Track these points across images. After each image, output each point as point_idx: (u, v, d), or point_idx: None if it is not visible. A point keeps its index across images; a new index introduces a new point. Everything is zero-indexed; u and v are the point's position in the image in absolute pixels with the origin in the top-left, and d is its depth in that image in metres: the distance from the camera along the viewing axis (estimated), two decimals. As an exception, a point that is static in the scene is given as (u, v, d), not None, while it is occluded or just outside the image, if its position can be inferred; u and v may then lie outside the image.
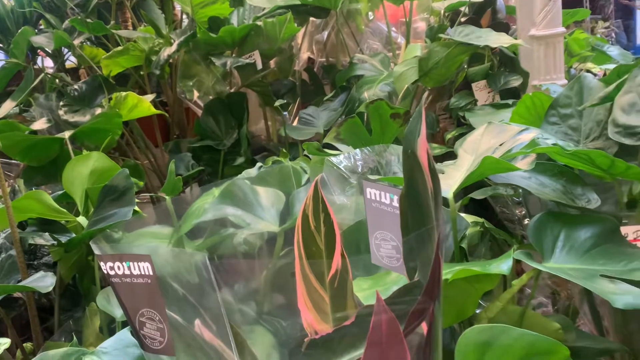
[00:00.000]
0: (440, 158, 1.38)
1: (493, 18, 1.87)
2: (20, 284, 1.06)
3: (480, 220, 0.96)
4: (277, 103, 1.67)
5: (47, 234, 1.12)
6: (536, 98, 1.09)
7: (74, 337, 0.91)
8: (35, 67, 1.89)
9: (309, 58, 2.05)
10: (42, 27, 2.06)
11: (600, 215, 0.82)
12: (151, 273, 0.56)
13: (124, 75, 1.83)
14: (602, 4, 4.25)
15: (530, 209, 1.02)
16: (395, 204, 0.62)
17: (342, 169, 1.03)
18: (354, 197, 0.96)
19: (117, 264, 0.57)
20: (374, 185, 0.65)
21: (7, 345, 0.80)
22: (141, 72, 1.82)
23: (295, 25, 1.71)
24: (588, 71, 1.78)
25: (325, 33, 2.02)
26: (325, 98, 1.77)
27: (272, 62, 1.83)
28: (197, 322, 0.58)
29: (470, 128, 1.40)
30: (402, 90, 1.56)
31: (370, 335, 0.46)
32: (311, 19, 1.92)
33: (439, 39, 1.59)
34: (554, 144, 0.85)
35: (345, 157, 1.05)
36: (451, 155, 1.04)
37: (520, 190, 1.02)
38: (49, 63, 2.14)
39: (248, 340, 0.62)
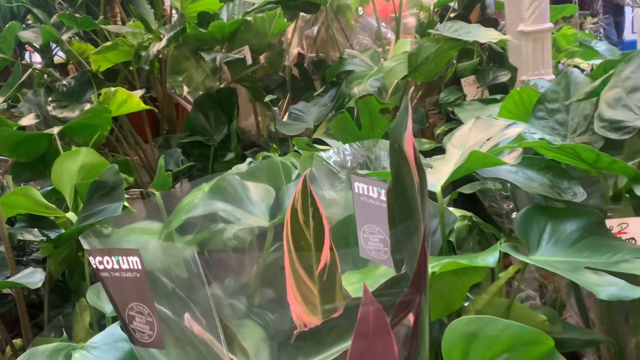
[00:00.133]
0: (430, 153, 1.39)
1: (482, 14, 1.88)
2: (9, 280, 1.06)
3: (468, 214, 0.97)
4: (267, 98, 1.67)
5: (36, 230, 1.12)
6: (524, 93, 1.10)
7: (64, 333, 0.91)
8: (23, 62, 1.88)
9: (299, 53, 2.05)
10: (29, 22, 2.05)
11: (586, 209, 0.83)
12: (140, 267, 0.57)
13: (113, 71, 1.83)
14: (591, 0, 4.28)
15: (519, 203, 1.03)
16: (383, 198, 0.63)
17: (332, 164, 1.04)
18: (343, 191, 0.96)
19: (106, 258, 0.57)
20: (362, 180, 0.66)
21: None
22: (130, 68, 1.81)
23: (285, 20, 1.71)
24: (576, 66, 1.79)
25: (315, 28, 2.02)
26: (315, 93, 1.78)
27: (262, 58, 1.83)
28: (187, 316, 0.59)
29: (460, 123, 1.41)
30: (391, 85, 1.57)
31: (358, 327, 0.47)
32: (301, 14, 1.92)
33: (429, 34, 1.60)
34: (540, 139, 0.86)
35: (334, 152, 1.06)
36: (440, 150, 1.05)
37: (509, 185, 1.03)
38: (37, 58, 2.13)
39: (238, 334, 0.62)
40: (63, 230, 1.13)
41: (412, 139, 0.52)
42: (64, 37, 1.80)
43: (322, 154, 1.05)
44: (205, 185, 1.04)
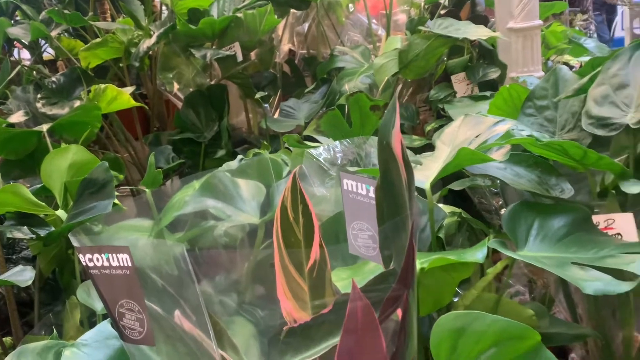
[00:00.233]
0: (420, 150, 1.40)
1: (472, 11, 1.89)
2: (-2, 278, 1.05)
3: (458, 210, 0.97)
4: (258, 95, 1.67)
5: (25, 227, 1.11)
6: (513, 90, 1.11)
7: (54, 331, 0.91)
8: (11, 59, 1.87)
9: (290, 50, 2.05)
10: (18, 18, 2.03)
11: (573, 205, 0.84)
12: (130, 264, 0.57)
13: (102, 67, 1.82)
14: (581, -3, 4.31)
15: (508, 200, 1.04)
16: (372, 194, 0.63)
17: (322, 161, 1.04)
18: (333, 188, 0.96)
19: (96, 255, 0.58)
20: (351, 177, 0.66)
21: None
22: (120, 64, 1.80)
23: (276, 17, 1.71)
24: (565, 63, 1.80)
25: (306, 25, 2.02)
26: (306, 90, 1.78)
27: (252, 54, 1.83)
28: (177, 312, 0.59)
29: (450, 120, 1.42)
30: (382, 82, 1.58)
31: (346, 322, 0.47)
32: (292, 10, 1.92)
33: (419, 31, 1.60)
34: (528, 135, 0.87)
35: (325, 149, 1.06)
36: (431, 147, 1.06)
37: (498, 181, 1.04)
38: (25, 55, 2.11)
39: (228, 330, 0.62)
40: (53, 228, 1.12)
41: (400, 136, 0.52)
42: (53, 33, 1.79)
43: (313, 151, 1.05)
44: (195, 182, 1.04)
